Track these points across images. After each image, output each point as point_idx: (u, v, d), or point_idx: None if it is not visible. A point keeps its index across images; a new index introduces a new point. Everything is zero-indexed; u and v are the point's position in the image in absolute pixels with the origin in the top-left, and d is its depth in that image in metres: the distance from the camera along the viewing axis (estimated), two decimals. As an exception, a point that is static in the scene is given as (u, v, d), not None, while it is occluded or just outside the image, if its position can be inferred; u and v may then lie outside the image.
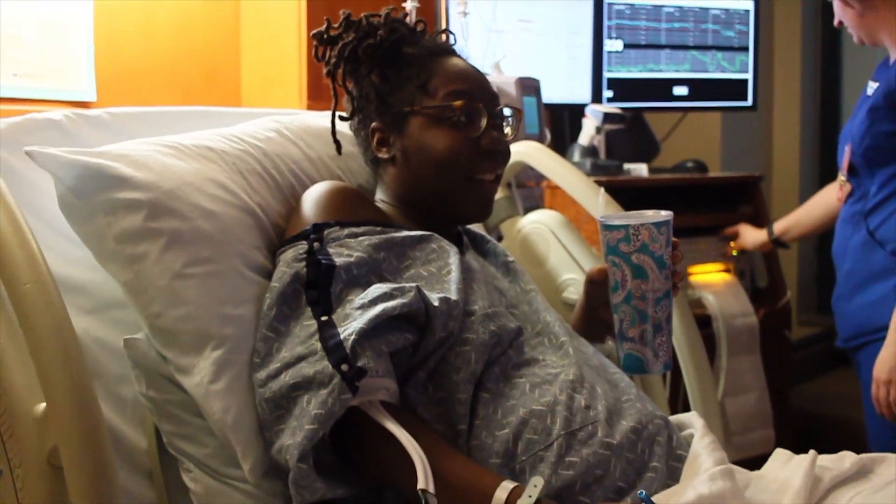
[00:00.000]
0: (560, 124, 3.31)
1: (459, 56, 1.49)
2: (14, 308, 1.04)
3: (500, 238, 1.98)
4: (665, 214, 1.31)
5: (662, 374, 1.45)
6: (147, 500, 1.33)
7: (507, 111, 1.48)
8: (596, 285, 1.44)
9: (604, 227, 1.31)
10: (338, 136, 1.55)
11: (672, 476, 1.24)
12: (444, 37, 1.53)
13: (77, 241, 1.33)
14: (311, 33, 1.48)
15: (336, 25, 1.47)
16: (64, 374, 0.99)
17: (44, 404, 1.02)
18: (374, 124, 1.46)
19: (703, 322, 2.76)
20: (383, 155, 1.46)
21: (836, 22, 2.35)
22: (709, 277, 2.92)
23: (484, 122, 1.42)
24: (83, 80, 2.35)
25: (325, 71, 1.48)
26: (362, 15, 1.46)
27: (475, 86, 1.44)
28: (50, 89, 2.28)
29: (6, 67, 2.20)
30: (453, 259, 1.35)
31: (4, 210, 1.07)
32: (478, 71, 1.48)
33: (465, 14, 2.54)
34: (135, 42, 2.47)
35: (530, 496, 1.11)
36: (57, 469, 1.01)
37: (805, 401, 3.56)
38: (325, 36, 1.47)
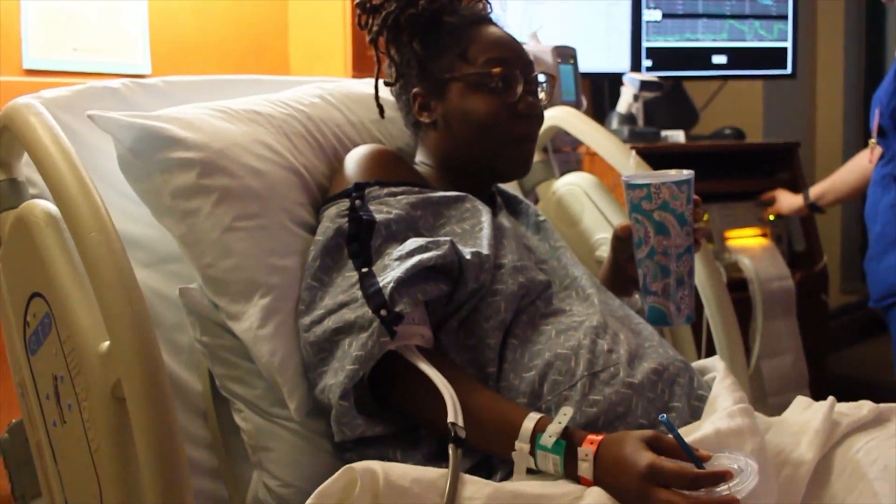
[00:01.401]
0: (599, 94, 3.35)
1: (496, 24, 1.55)
2: (80, 255, 1.12)
3: (536, 200, 2.03)
4: (686, 173, 1.36)
5: (686, 325, 1.50)
6: (202, 438, 1.41)
7: (541, 77, 1.54)
8: (622, 241, 1.50)
9: (627, 185, 1.37)
10: (380, 101, 1.62)
11: (693, 415, 1.29)
12: (481, 6, 1.59)
13: (135, 200, 1.42)
14: (355, 2, 1.54)
15: None
16: (125, 313, 1.06)
17: (108, 342, 1.09)
18: (415, 90, 1.52)
19: (740, 285, 2.80)
20: (424, 119, 1.52)
21: None
22: (746, 242, 2.95)
23: (520, 87, 1.48)
24: (139, 54, 2.44)
25: (367, 38, 1.54)
26: None
27: (512, 53, 1.50)
28: (107, 63, 2.38)
29: (66, 42, 2.29)
30: (486, 218, 1.42)
31: (69, 166, 1.15)
32: (514, 39, 1.54)
33: (503, -16, 2.58)
34: (188, 17, 2.55)
35: (560, 422, 1.17)
36: (120, 401, 1.08)
37: (845, 367, 3.56)
38: (368, 5, 1.53)
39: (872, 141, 2.42)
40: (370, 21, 1.54)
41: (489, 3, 1.60)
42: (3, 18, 2.18)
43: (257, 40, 2.70)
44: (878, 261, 2.41)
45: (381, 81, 1.61)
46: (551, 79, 1.56)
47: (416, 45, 1.51)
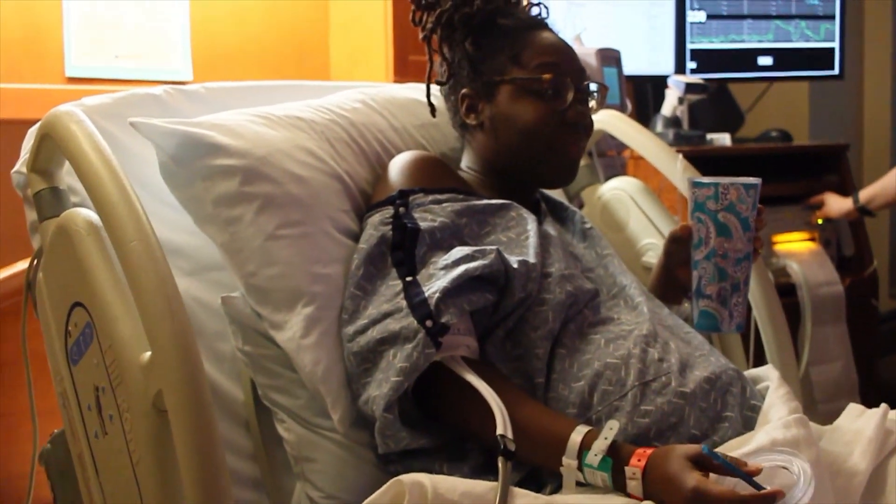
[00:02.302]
0: (644, 96, 3.31)
1: (551, 29, 1.53)
2: (121, 264, 1.11)
3: (581, 205, 2.01)
4: (754, 179, 1.34)
5: (737, 333, 1.47)
6: (244, 448, 1.39)
7: (592, 86, 1.51)
8: (678, 243, 1.46)
9: (693, 184, 1.35)
10: (425, 103, 1.59)
11: (747, 426, 1.26)
12: (536, 9, 1.57)
13: (177, 208, 1.41)
14: None
15: None
16: (167, 323, 1.04)
17: (149, 353, 1.08)
18: (464, 90, 1.50)
19: (788, 290, 2.76)
20: (471, 121, 1.50)
21: None
22: (794, 246, 2.91)
23: (570, 95, 1.46)
24: (180, 61, 2.45)
25: (420, 35, 1.52)
26: None
27: (564, 60, 1.48)
28: (149, 69, 2.39)
29: (109, 49, 2.30)
30: (531, 226, 1.39)
31: (111, 175, 1.14)
32: (568, 45, 1.51)
33: (546, -13, 2.56)
34: (228, 24, 2.55)
35: (606, 438, 1.15)
36: (161, 412, 1.06)
37: (894, 372, 3.49)
38: (424, 1, 1.51)
39: None
40: (424, 17, 1.52)
41: (546, 8, 1.57)
42: (45, 26, 2.19)
43: (298, 45, 2.70)
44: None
45: (437, 80, 1.58)
46: (602, 88, 1.54)
47: (469, 45, 1.49)
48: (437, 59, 1.53)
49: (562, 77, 1.45)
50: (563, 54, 1.49)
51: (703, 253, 1.35)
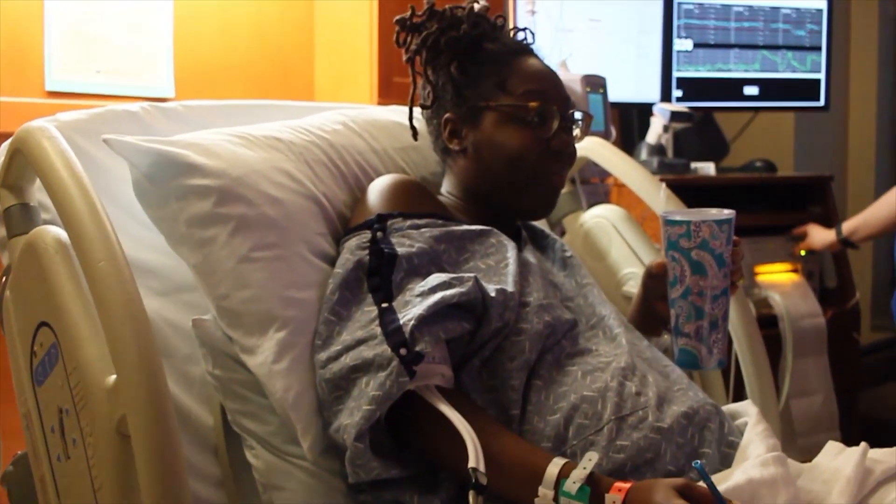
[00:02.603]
0: (629, 123, 3.31)
1: (537, 56, 1.52)
2: (88, 284, 1.09)
3: (562, 232, 2.00)
4: (727, 213, 1.32)
5: (718, 369, 1.46)
6: (212, 475, 1.37)
7: (577, 115, 1.50)
8: (654, 279, 1.45)
9: (665, 221, 1.32)
10: (406, 126, 1.58)
11: (724, 462, 1.24)
12: (522, 35, 1.56)
13: (150, 227, 1.38)
14: (395, 18, 1.50)
15: (420, 13, 1.49)
16: (133, 346, 1.02)
17: (114, 376, 1.06)
18: (447, 115, 1.49)
19: (770, 322, 2.75)
20: (454, 146, 1.49)
21: None
22: (776, 277, 2.90)
23: (556, 123, 1.44)
24: (162, 78, 2.43)
25: (404, 57, 1.51)
26: (447, 6, 1.48)
27: (550, 87, 1.47)
28: (130, 86, 2.37)
29: (90, 65, 2.28)
30: (511, 253, 1.37)
31: (81, 192, 1.13)
32: (554, 73, 1.50)
33: (532, 13, 2.56)
34: (212, 41, 2.54)
35: (584, 468, 1.13)
36: (125, 437, 1.04)
37: (877, 406, 3.49)
38: (409, 23, 1.49)
39: None
40: (409, 39, 1.50)
41: (532, 34, 1.56)
42: (26, 40, 2.17)
43: (283, 65, 2.69)
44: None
45: (417, 104, 1.57)
46: (587, 117, 1.52)
47: (454, 70, 1.48)
48: (421, 81, 1.51)
49: (548, 105, 1.44)
50: (549, 82, 1.48)
51: (679, 291, 1.33)
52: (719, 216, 1.31)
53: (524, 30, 1.57)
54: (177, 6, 2.43)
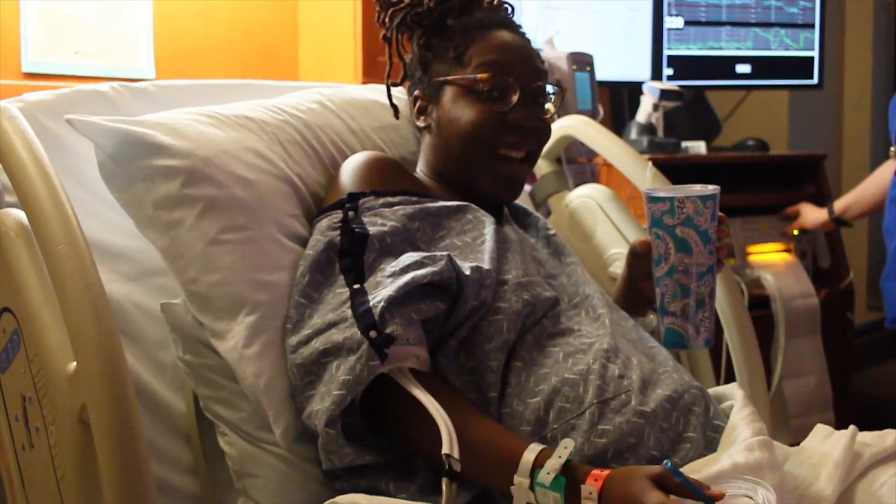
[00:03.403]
0: (619, 103, 3.28)
1: (511, 30, 1.47)
2: (47, 268, 1.06)
3: (548, 212, 1.97)
4: (712, 188, 1.30)
5: (705, 349, 1.43)
6: (184, 462, 1.35)
7: (549, 88, 1.46)
8: (639, 257, 1.42)
9: (649, 198, 1.30)
10: (385, 105, 1.56)
11: (709, 447, 1.22)
12: (503, 10, 1.51)
13: (120, 210, 1.35)
14: None
15: None
16: (93, 334, 1.00)
17: (75, 363, 1.04)
18: (416, 92, 1.47)
19: (762, 302, 2.72)
20: (420, 123, 1.47)
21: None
22: (769, 257, 2.87)
23: (515, 97, 1.40)
24: (142, 59, 2.39)
25: (381, 35, 1.49)
26: None
27: (511, 58, 1.42)
28: (110, 67, 2.33)
29: (68, 46, 2.25)
30: (488, 229, 1.34)
31: (41, 174, 1.09)
32: (523, 45, 1.46)
33: (518, -11, 2.51)
34: (193, 21, 2.50)
35: (560, 456, 1.10)
36: (86, 426, 1.02)
37: (870, 386, 3.48)
38: (383, 1, 1.48)
39: (893, 149, 2.34)
40: (385, 17, 1.48)
41: (509, 7, 1.52)
42: (1, 20, 2.13)
43: (265, 45, 2.65)
44: (894, 280, 2.33)
45: (391, 82, 1.55)
46: (561, 90, 1.48)
47: (420, 45, 1.46)
48: (395, 59, 1.49)
49: (503, 77, 1.39)
50: (510, 53, 1.42)
51: (664, 270, 1.31)
52: (703, 191, 1.29)
53: (503, 3, 1.52)
54: (156, -14, 2.40)
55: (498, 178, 1.42)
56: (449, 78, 1.41)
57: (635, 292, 1.47)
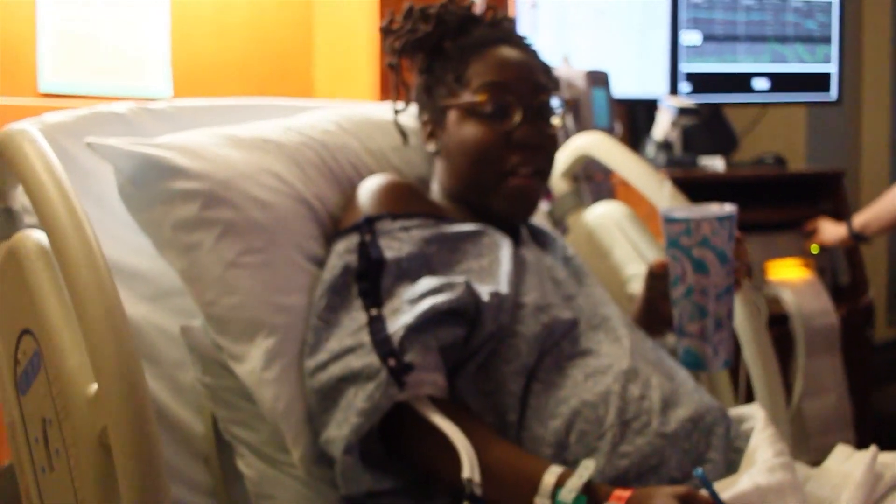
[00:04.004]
0: (636, 119, 3.27)
1: (513, 44, 1.46)
2: (68, 291, 1.06)
3: (566, 231, 1.96)
4: (729, 209, 1.29)
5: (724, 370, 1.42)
6: (203, 484, 1.34)
7: (555, 102, 1.45)
8: (656, 279, 1.41)
9: (665, 220, 1.30)
10: (402, 128, 1.56)
11: (730, 468, 1.21)
12: (504, 25, 1.50)
13: (138, 230, 1.36)
14: (380, 27, 1.50)
15: (398, 18, 1.48)
16: (114, 356, 1.00)
17: (96, 385, 1.04)
18: (424, 117, 1.48)
19: (781, 320, 2.70)
20: (431, 148, 1.47)
21: None
22: (787, 274, 2.85)
23: (518, 115, 1.39)
24: (158, 78, 2.39)
25: (387, 62, 1.50)
26: (417, 7, 1.47)
27: (511, 76, 1.41)
28: (126, 87, 2.33)
29: (85, 65, 2.25)
30: (505, 252, 1.34)
31: (62, 197, 1.10)
32: (527, 60, 1.44)
33: (534, 6, 2.52)
34: (209, 40, 2.50)
35: (581, 476, 1.10)
36: (107, 448, 1.02)
37: (890, 404, 3.45)
38: (387, 28, 1.49)
39: None
40: (388, 46, 1.50)
41: (510, 21, 1.52)
42: (18, 39, 2.14)
43: (281, 62, 2.66)
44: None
45: (396, 107, 1.56)
46: (567, 103, 1.47)
47: (423, 71, 1.47)
48: (410, 84, 1.51)
49: (502, 95, 1.39)
50: (509, 70, 1.41)
51: (681, 291, 1.30)
52: (720, 212, 1.28)
53: (503, 18, 1.51)
54: (173, 6, 2.40)
55: (509, 198, 1.41)
56: (451, 101, 1.42)
57: (654, 313, 1.46)
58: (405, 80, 1.50)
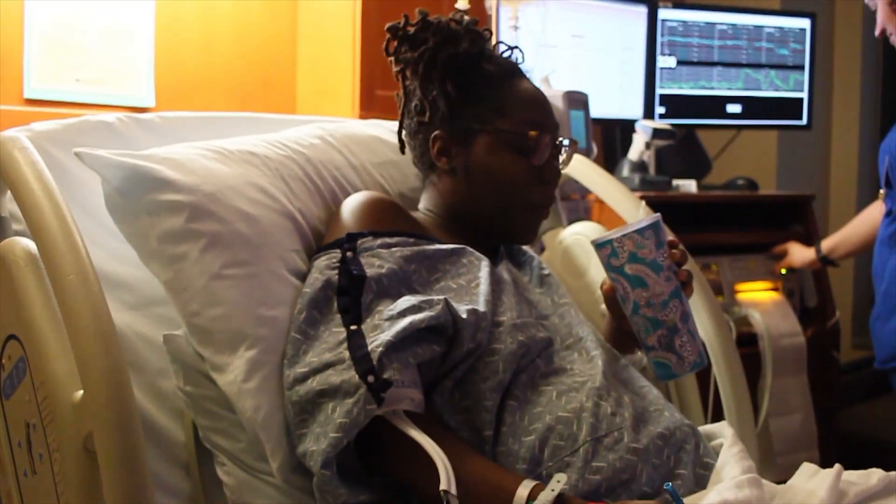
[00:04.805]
0: (612, 140, 3.31)
1: (527, 78, 1.51)
2: (56, 298, 1.08)
3: (542, 249, 1.99)
4: (649, 218, 1.32)
5: (694, 373, 1.43)
6: (183, 492, 1.35)
7: (565, 141, 1.50)
8: (610, 301, 1.44)
9: (595, 247, 1.33)
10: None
11: (699, 484, 1.24)
12: (511, 54, 1.53)
13: (123, 240, 1.37)
14: (386, 26, 1.47)
15: (413, 23, 1.46)
16: (100, 363, 1.02)
17: (81, 391, 1.05)
18: (437, 132, 1.46)
19: (750, 340, 2.75)
20: (442, 165, 1.47)
21: (877, 32, 2.32)
22: (757, 296, 2.90)
23: (548, 153, 1.45)
24: (143, 87, 2.41)
25: (395, 69, 1.49)
26: (445, 19, 1.46)
27: (545, 115, 1.47)
28: (110, 95, 2.34)
29: (69, 73, 2.26)
30: (483, 272, 1.37)
31: (51, 204, 1.12)
32: (545, 97, 1.50)
33: (515, 28, 2.55)
34: (194, 51, 2.52)
35: (553, 490, 1.12)
36: (92, 454, 1.03)
37: (855, 424, 3.49)
38: (401, 32, 1.47)
39: (882, 192, 2.37)
40: (402, 50, 1.47)
41: (522, 53, 1.55)
42: (4, 46, 2.15)
43: (265, 76, 2.68)
44: (883, 321, 2.36)
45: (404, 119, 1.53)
46: (573, 143, 1.52)
47: (450, 88, 1.44)
48: (413, 94, 1.48)
49: (545, 135, 1.44)
50: (543, 109, 1.47)
51: (630, 308, 1.33)
52: (637, 225, 1.31)
53: (514, 48, 1.55)
54: (158, 15, 2.42)
55: (527, 228, 1.49)
56: (489, 127, 1.44)
57: (621, 331, 1.48)
58: (414, 90, 1.47)
